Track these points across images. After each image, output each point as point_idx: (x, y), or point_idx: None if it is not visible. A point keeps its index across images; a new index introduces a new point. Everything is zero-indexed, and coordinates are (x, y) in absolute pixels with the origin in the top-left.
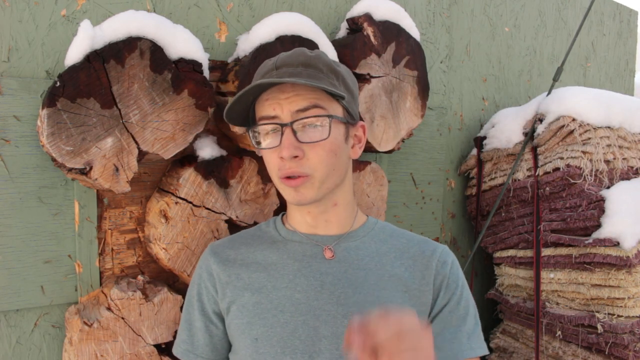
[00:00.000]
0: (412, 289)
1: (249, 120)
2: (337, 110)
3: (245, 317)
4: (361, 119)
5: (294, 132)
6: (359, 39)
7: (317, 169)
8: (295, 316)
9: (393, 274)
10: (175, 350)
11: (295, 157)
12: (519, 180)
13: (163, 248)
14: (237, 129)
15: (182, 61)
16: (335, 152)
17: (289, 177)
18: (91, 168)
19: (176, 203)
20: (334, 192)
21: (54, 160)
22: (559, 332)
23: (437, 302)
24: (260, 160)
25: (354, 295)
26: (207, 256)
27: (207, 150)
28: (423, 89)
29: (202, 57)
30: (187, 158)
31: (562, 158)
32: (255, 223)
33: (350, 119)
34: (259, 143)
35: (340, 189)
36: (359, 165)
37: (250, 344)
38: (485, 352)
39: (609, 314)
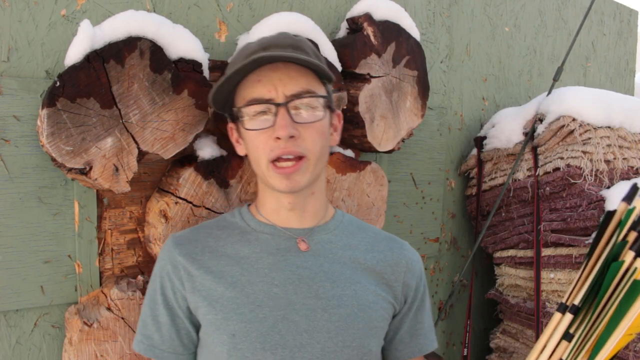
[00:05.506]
0: (386, 280)
1: (227, 104)
2: (324, 94)
3: (220, 312)
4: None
5: (289, 113)
6: (359, 39)
7: (312, 150)
8: (274, 311)
9: (366, 267)
10: (137, 347)
11: (292, 137)
12: (519, 180)
13: None
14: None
15: (182, 61)
16: (325, 135)
17: (281, 162)
18: (91, 168)
19: (176, 203)
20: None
21: (53, 160)
22: None
23: (407, 301)
24: None
25: (332, 289)
26: (170, 248)
27: (207, 150)
28: (423, 88)
29: (202, 57)
30: (187, 158)
31: (562, 158)
32: None
33: (332, 105)
34: (243, 125)
35: (318, 177)
36: (359, 165)
37: (227, 339)
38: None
39: None
